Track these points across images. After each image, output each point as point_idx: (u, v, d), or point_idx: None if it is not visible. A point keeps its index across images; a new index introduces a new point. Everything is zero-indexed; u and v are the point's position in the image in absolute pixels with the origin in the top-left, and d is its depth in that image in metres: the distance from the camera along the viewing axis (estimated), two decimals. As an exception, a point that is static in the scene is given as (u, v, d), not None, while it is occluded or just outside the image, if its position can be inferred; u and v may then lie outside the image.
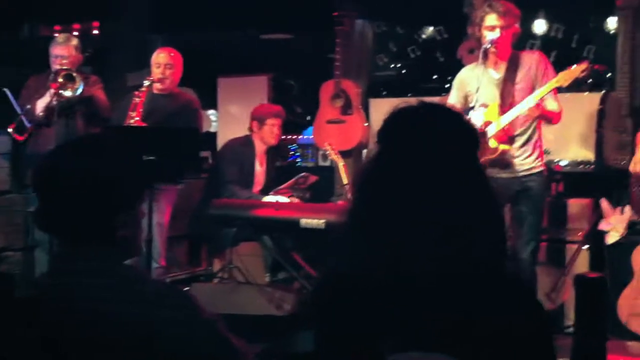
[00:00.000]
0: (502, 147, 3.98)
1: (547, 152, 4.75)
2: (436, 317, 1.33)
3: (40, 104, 4.80)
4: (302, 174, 5.49)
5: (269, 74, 6.70)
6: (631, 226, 4.40)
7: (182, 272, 5.80)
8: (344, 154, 5.48)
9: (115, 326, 1.52)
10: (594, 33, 5.99)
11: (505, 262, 1.42)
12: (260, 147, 5.39)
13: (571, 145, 5.23)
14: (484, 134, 3.93)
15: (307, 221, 4.59)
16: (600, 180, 4.96)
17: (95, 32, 6.60)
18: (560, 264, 4.64)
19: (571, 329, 4.22)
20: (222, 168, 5.31)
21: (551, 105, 4.03)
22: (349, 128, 5.75)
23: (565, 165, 5.19)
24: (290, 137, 6.40)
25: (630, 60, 4.91)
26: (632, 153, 4.48)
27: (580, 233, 4.68)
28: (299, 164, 6.49)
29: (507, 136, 4.00)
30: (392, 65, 6.74)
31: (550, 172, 4.75)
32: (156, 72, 4.93)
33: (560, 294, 4.55)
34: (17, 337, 1.54)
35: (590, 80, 5.26)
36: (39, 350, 1.52)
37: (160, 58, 4.98)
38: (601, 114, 4.94)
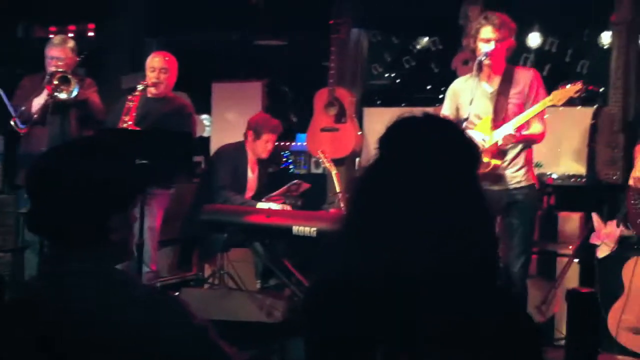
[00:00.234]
0: (494, 162, 3.98)
1: (539, 165, 4.77)
2: (430, 322, 1.34)
3: (36, 103, 4.77)
4: (295, 181, 5.47)
5: (263, 80, 6.69)
6: (622, 240, 4.42)
7: (173, 277, 5.77)
8: (337, 162, 5.49)
9: (106, 330, 1.51)
10: (588, 47, 6.02)
11: (497, 268, 1.44)
12: (252, 156, 5.38)
13: (563, 158, 5.24)
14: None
15: (299, 228, 4.58)
16: (591, 194, 4.98)
17: (91, 34, 6.58)
18: (550, 277, 4.65)
19: (562, 342, 4.23)
20: (215, 172, 5.30)
21: (535, 127, 4.02)
22: (342, 136, 5.75)
23: (557, 179, 5.19)
24: (283, 143, 6.39)
25: (624, 76, 4.93)
26: (629, 167, 4.46)
27: (571, 246, 4.69)
28: (291, 170, 6.48)
29: (498, 151, 4.00)
30: (387, 75, 6.76)
31: (542, 185, 4.75)
32: (150, 76, 4.86)
33: (551, 307, 4.55)
34: (8, 340, 1.53)
35: (584, 94, 5.28)
36: (30, 353, 1.51)
37: (155, 62, 4.90)
38: (593, 129, 4.96)
